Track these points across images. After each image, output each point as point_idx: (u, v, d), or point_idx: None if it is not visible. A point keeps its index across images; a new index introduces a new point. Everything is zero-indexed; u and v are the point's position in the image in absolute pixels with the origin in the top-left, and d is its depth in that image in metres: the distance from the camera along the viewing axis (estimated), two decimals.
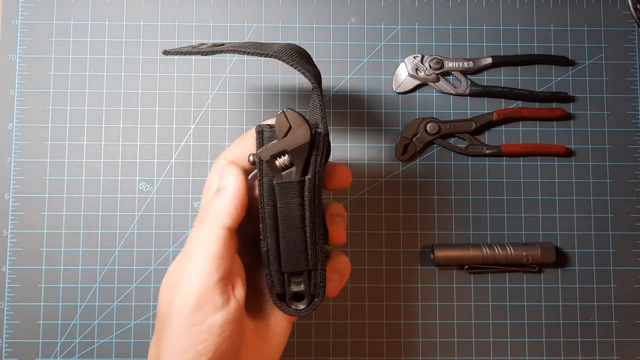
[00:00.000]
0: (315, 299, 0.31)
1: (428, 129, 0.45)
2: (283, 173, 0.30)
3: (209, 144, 0.46)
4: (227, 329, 0.28)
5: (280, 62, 0.46)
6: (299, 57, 0.33)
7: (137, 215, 0.45)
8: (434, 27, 0.47)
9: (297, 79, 0.46)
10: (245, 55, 0.34)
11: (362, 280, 0.45)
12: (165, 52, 0.34)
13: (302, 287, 0.31)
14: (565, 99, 0.47)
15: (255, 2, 0.47)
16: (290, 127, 0.30)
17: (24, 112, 0.45)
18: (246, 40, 0.47)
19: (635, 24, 0.47)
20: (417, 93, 0.47)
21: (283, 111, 0.30)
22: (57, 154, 0.45)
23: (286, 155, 0.30)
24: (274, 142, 0.30)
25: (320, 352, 0.44)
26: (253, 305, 0.33)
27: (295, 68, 0.31)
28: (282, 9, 0.47)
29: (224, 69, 0.46)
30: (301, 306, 0.31)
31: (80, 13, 0.46)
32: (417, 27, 0.47)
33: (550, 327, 0.45)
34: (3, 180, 0.45)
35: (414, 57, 0.46)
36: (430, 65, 0.46)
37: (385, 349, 0.44)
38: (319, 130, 0.31)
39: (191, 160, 0.46)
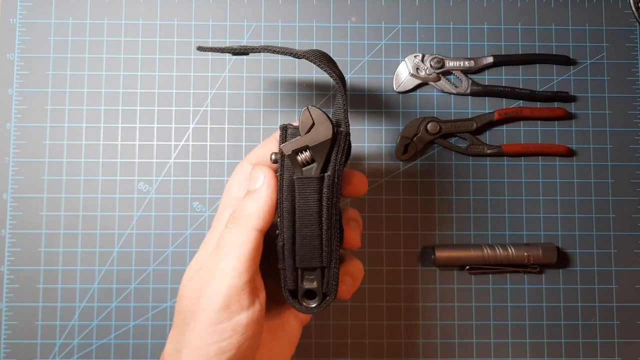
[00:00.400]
0: (327, 297, 0.31)
1: (429, 129, 0.45)
2: (304, 169, 0.31)
3: (208, 143, 0.46)
4: (250, 329, 0.29)
5: (279, 62, 0.46)
6: (326, 60, 0.34)
7: (136, 215, 0.45)
8: (434, 26, 0.47)
9: (297, 78, 0.46)
10: (275, 54, 0.35)
11: (362, 281, 0.45)
12: (200, 49, 0.36)
13: (314, 285, 0.31)
14: (567, 98, 0.46)
15: (255, 0, 0.47)
16: (313, 124, 0.31)
17: (22, 112, 0.45)
18: (246, 39, 0.46)
19: (637, 23, 0.47)
20: (417, 92, 0.47)
21: (307, 108, 0.31)
22: (55, 153, 0.45)
23: (308, 151, 0.31)
24: (297, 137, 0.31)
25: (321, 353, 0.44)
26: (266, 305, 0.33)
27: (322, 69, 0.33)
28: (282, 8, 0.47)
29: (224, 69, 0.46)
30: (312, 304, 0.32)
31: (78, 12, 0.46)
32: (417, 26, 0.47)
33: (552, 328, 0.45)
34: (1, 180, 0.45)
35: (415, 57, 0.46)
36: (431, 65, 0.46)
37: (386, 350, 0.44)
38: (341, 129, 0.32)
39: (190, 160, 0.45)
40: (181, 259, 0.44)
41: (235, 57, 0.46)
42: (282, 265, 0.31)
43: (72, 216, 0.44)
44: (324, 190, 0.31)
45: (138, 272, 0.44)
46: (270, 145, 0.34)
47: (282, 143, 0.32)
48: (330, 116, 0.32)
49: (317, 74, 0.46)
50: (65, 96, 0.45)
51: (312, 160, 0.31)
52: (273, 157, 0.32)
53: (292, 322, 0.35)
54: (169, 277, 0.44)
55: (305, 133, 0.31)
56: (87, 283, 0.44)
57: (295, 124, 0.32)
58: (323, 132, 0.31)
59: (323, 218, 0.31)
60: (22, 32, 0.46)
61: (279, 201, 0.31)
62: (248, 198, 0.31)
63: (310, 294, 0.32)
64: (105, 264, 0.44)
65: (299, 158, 0.31)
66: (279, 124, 0.45)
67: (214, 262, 0.30)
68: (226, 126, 0.46)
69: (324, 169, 0.31)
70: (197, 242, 0.44)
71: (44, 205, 0.44)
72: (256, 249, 0.30)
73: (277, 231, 0.32)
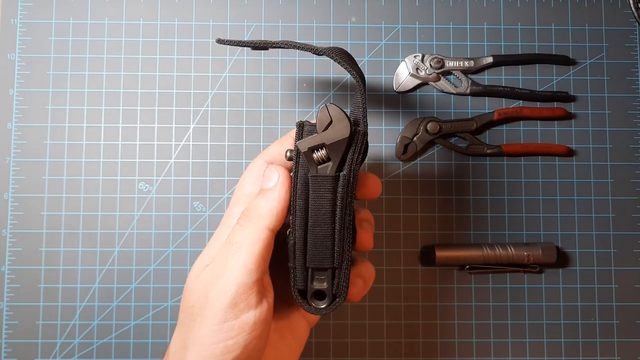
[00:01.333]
0: (337, 299, 0.31)
1: (429, 129, 0.45)
2: (319, 167, 0.31)
3: (209, 143, 0.46)
4: (257, 328, 0.29)
5: (280, 62, 0.46)
6: (346, 58, 0.34)
7: (137, 215, 0.45)
8: (434, 26, 0.47)
9: (297, 78, 0.46)
10: (296, 49, 0.35)
11: None
12: (219, 41, 0.36)
13: (324, 285, 0.31)
14: (566, 98, 0.47)
15: (255, 1, 0.47)
16: (331, 121, 0.30)
17: (23, 112, 0.45)
18: (246, 38, 0.46)
19: (637, 23, 0.47)
20: (417, 92, 0.47)
21: (326, 105, 0.31)
22: (56, 153, 0.45)
23: (324, 149, 0.31)
24: (313, 135, 0.31)
25: (321, 353, 0.44)
26: (274, 305, 0.33)
27: (343, 67, 0.32)
28: (282, 8, 0.47)
29: (224, 69, 0.46)
30: (322, 305, 0.31)
31: (79, 12, 0.46)
32: (417, 26, 0.47)
33: (551, 328, 0.45)
34: (2, 180, 0.45)
35: (415, 57, 0.46)
36: (430, 65, 0.46)
37: (386, 349, 0.44)
38: (359, 128, 0.31)
39: (190, 160, 0.45)
40: (181, 258, 0.45)
41: (234, 57, 0.46)
42: (292, 264, 0.31)
43: (73, 216, 0.45)
44: (339, 189, 0.30)
45: (138, 272, 0.44)
46: (286, 143, 0.33)
47: (299, 140, 0.31)
48: (349, 114, 0.31)
49: (318, 74, 0.46)
50: (65, 96, 0.46)
51: (327, 159, 0.31)
52: (288, 154, 0.32)
53: (300, 323, 0.34)
54: (169, 277, 0.44)
55: (323, 131, 0.30)
56: (88, 283, 0.44)
57: (313, 121, 0.32)
58: (340, 130, 0.30)
59: (336, 218, 0.30)
60: (23, 32, 0.46)
61: (292, 199, 0.31)
62: (261, 197, 0.31)
63: (319, 295, 0.31)
64: (106, 263, 0.44)
65: (314, 156, 0.31)
66: (279, 124, 0.46)
67: (224, 259, 0.30)
68: (226, 126, 0.46)
69: (339, 168, 0.31)
70: (198, 241, 0.45)
71: (45, 205, 0.45)
72: (267, 248, 0.30)
73: (289, 229, 0.31)
